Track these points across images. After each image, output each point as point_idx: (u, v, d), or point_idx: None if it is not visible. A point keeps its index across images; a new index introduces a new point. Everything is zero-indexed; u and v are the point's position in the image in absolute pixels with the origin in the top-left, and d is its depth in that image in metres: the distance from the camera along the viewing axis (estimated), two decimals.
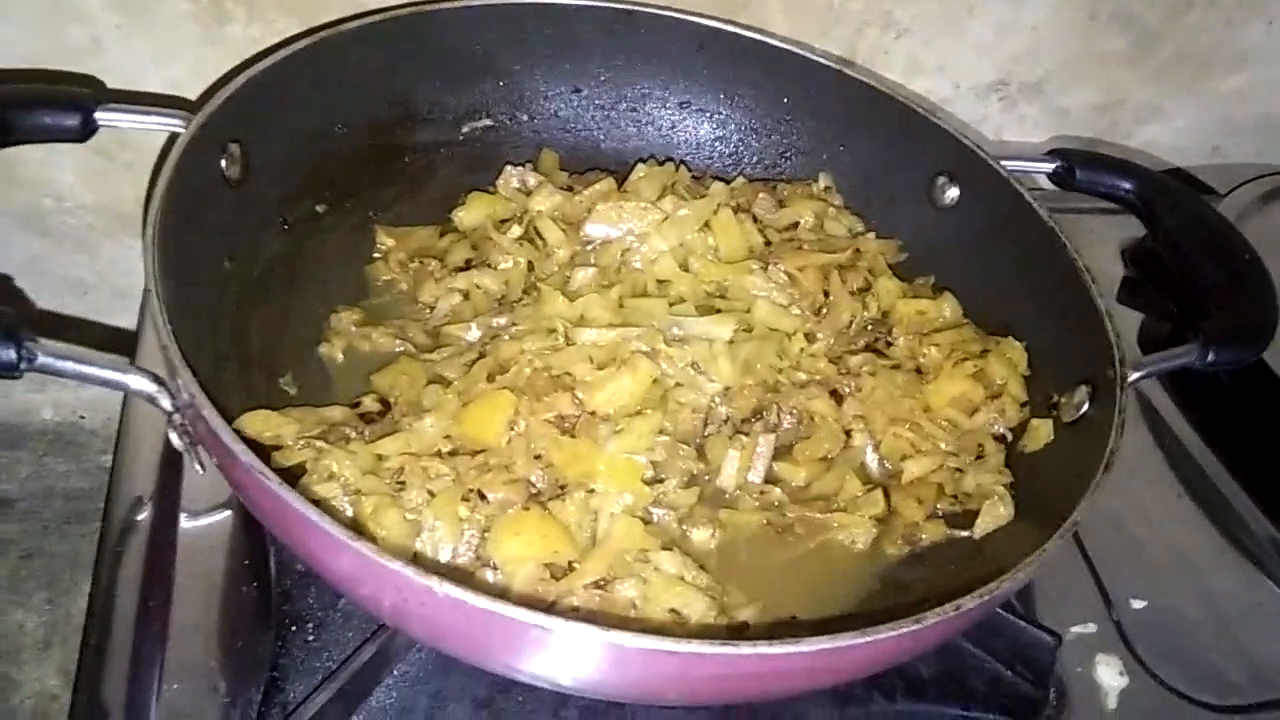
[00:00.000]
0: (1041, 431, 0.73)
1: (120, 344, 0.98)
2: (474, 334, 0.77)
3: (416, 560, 0.62)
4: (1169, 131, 1.17)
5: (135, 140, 0.94)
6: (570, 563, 0.63)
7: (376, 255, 0.84)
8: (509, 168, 0.87)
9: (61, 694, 0.99)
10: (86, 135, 0.69)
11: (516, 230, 0.83)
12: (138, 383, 0.57)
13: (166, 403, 0.57)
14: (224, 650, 0.65)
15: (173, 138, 0.68)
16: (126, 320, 1.03)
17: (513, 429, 0.68)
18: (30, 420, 1.08)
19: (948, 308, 0.82)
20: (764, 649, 0.48)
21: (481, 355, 0.73)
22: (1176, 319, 0.98)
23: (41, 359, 0.54)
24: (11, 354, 0.53)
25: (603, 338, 0.73)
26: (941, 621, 0.51)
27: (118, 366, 0.57)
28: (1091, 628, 0.75)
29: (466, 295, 0.81)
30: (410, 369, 0.74)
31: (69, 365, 0.55)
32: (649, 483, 0.68)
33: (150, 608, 0.66)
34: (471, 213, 0.85)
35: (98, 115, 0.68)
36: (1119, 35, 1.08)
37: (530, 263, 0.82)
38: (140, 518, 0.72)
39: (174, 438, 0.58)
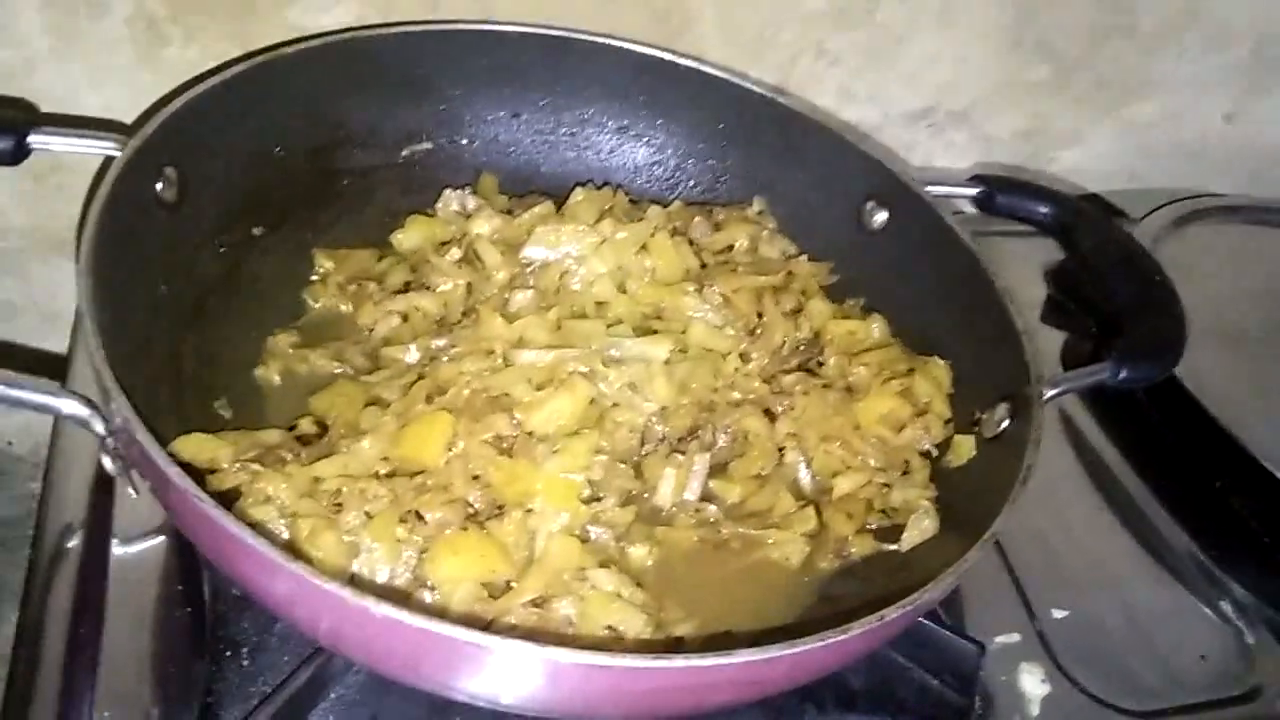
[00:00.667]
0: (964, 447, 0.75)
1: (51, 367, 0.97)
2: (413, 356, 0.77)
3: (353, 582, 0.62)
4: (1089, 157, 1.21)
5: (67, 162, 0.93)
6: (508, 582, 0.64)
7: (314, 278, 0.85)
8: (448, 191, 0.88)
9: None
10: (20, 158, 0.68)
11: (456, 253, 0.84)
12: (70, 407, 0.56)
13: (100, 427, 0.56)
14: (157, 677, 0.64)
15: (107, 161, 0.68)
16: (56, 343, 1.02)
17: (451, 450, 0.68)
18: None
19: (876, 328, 0.85)
20: (695, 662, 0.50)
21: (420, 377, 0.73)
22: (1095, 338, 1.02)
23: None
24: None
25: (540, 359, 0.74)
26: (867, 631, 0.53)
27: (49, 390, 0.56)
28: (1015, 637, 0.78)
29: (405, 317, 0.81)
30: (348, 391, 0.74)
31: None
32: (586, 501, 0.69)
33: (81, 634, 0.65)
34: (410, 235, 0.86)
35: (31, 139, 0.68)
36: (1041, 64, 1.13)
37: (469, 285, 0.82)
38: (71, 544, 0.71)
39: (107, 462, 0.58)
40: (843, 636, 0.52)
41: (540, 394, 0.72)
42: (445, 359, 0.75)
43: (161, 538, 0.71)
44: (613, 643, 0.62)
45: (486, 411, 0.70)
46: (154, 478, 0.55)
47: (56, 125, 0.70)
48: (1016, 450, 0.67)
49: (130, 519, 0.71)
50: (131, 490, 0.60)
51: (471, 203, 0.88)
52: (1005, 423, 0.73)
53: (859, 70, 1.07)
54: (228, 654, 0.66)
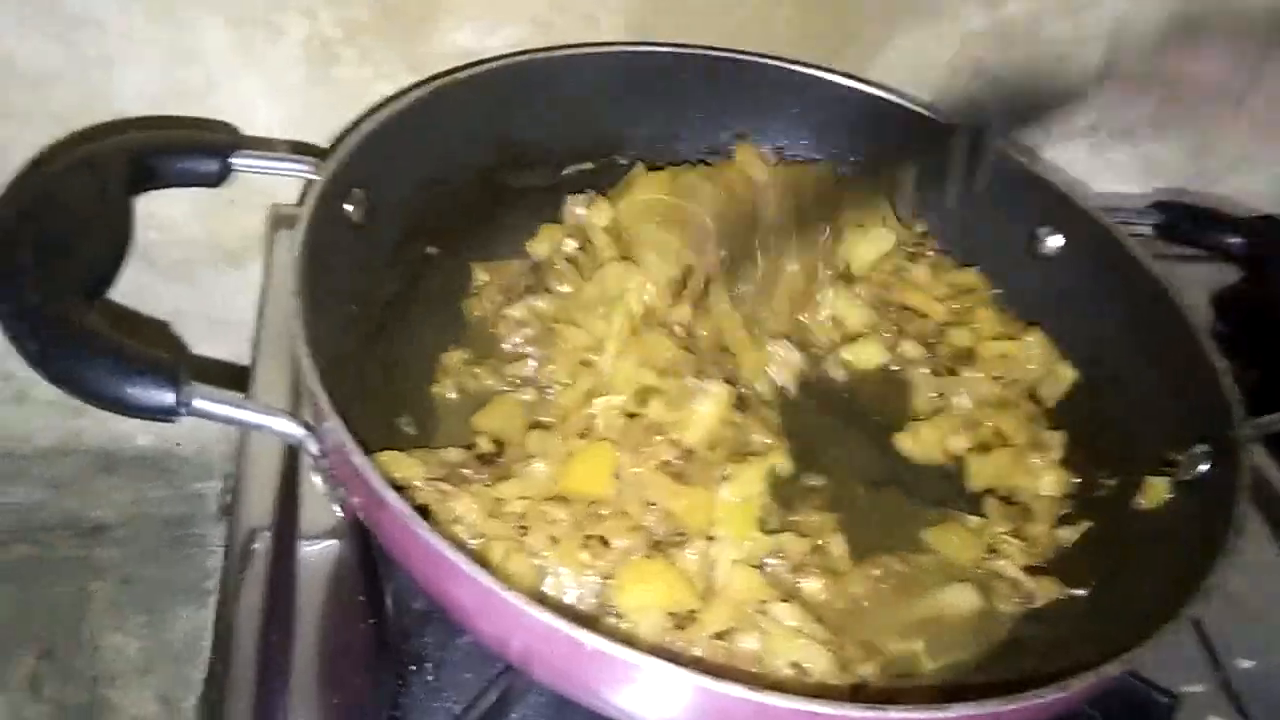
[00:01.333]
0: (1158, 489, 0.72)
1: (223, 375, 1.01)
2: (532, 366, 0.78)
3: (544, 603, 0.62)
4: (1259, 180, 1.16)
5: (242, 178, 0.96)
6: (691, 612, 0.64)
7: (473, 291, 0.86)
8: (570, 196, 0.88)
9: (160, 718, 1.00)
10: (222, 180, 0.71)
11: (571, 245, 0.84)
12: (287, 428, 0.58)
13: (314, 448, 0.58)
14: (346, 688, 0.66)
15: (305, 183, 0.70)
16: (221, 350, 1.05)
17: (619, 478, 0.68)
18: (125, 447, 1.11)
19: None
20: (912, 714, 0.49)
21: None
22: (1263, 373, 0.96)
23: (197, 403, 0.56)
24: (171, 399, 0.55)
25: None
26: (1087, 686, 0.51)
27: (269, 412, 0.58)
28: (1200, 687, 0.75)
29: (525, 323, 0.81)
30: (507, 408, 0.75)
31: (223, 410, 0.57)
32: (767, 532, 0.68)
33: (272, 641, 0.67)
34: (541, 242, 0.87)
35: (233, 161, 0.70)
36: None
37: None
38: (257, 546, 0.73)
39: (317, 481, 0.60)
40: (1063, 694, 0.50)
41: (679, 409, 0.71)
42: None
43: (339, 541, 0.72)
44: (798, 682, 0.62)
45: (641, 437, 0.70)
46: (365, 496, 0.57)
47: (257, 149, 0.72)
48: (1220, 496, 0.64)
49: (314, 524, 0.73)
50: (336, 508, 0.61)
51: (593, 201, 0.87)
52: (1204, 466, 0.69)
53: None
54: (412, 668, 0.67)
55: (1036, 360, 0.84)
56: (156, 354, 0.56)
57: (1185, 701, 0.72)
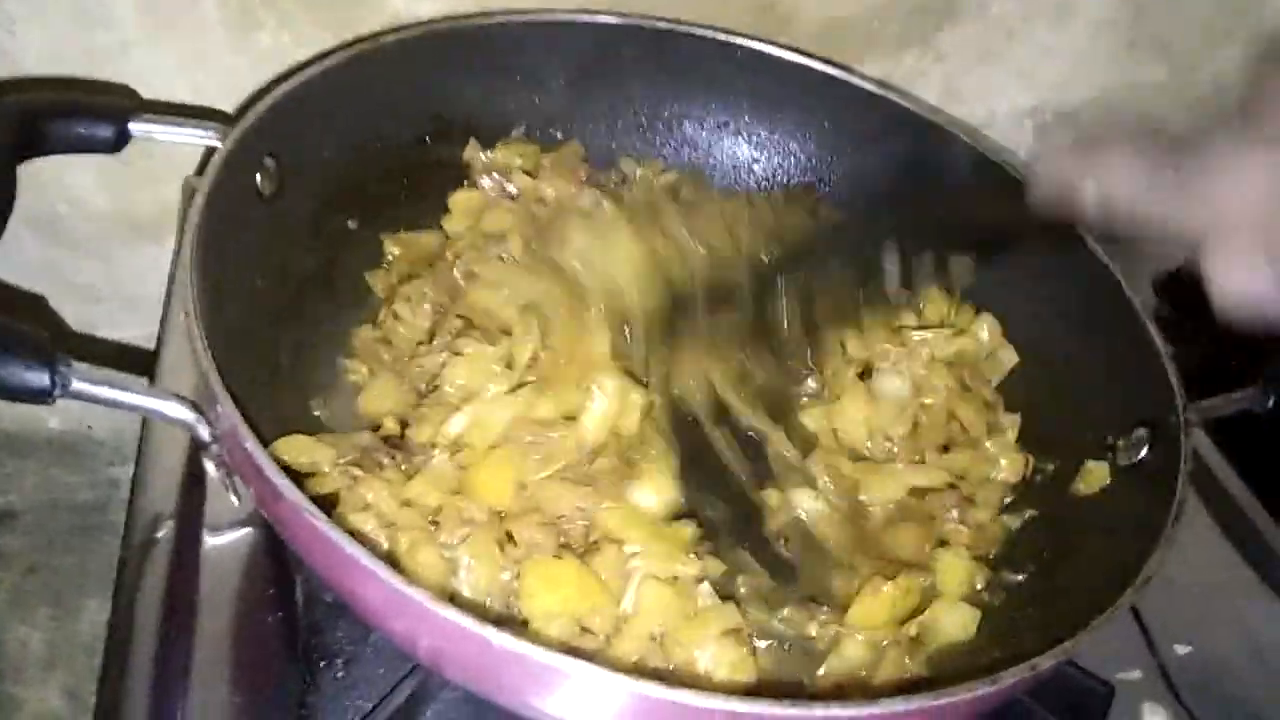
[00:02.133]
0: (1097, 474, 0.71)
1: (134, 359, 0.96)
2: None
3: (454, 600, 0.59)
4: None
5: (154, 147, 0.91)
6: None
7: (384, 265, 0.81)
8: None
9: (66, 715, 0.96)
10: (119, 146, 0.66)
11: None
12: (175, 411, 0.54)
13: (204, 432, 0.54)
14: (250, 686, 0.62)
15: (206, 151, 0.66)
16: (137, 329, 1.01)
17: (524, 490, 0.64)
18: (36, 430, 1.05)
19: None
20: (836, 711, 0.46)
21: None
22: (1211, 356, 0.96)
23: (76, 384, 0.52)
24: (45, 379, 0.50)
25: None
26: (1018, 681, 0.49)
27: (155, 394, 0.54)
28: (1136, 674, 0.73)
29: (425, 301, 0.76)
30: (388, 392, 0.71)
31: (104, 391, 0.53)
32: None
33: (172, 637, 0.63)
34: (455, 217, 0.82)
35: (131, 126, 0.66)
36: (1157, 65, 1.07)
37: None
38: (161, 534, 0.69)
39: (210, 467, 0.56)
40: (993, 688, 0.48)
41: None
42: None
43: (250, 530, 0.68)
44: (714, 680, 0.59)
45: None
46: (259, 485, 0.53)
47: (157, 114, 0.67)
48: (1160, 481, 0.63)
49: (220, 512, 0.69)
50: (233, 497, 0.58)
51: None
52: (1144, 450, 0.68)
53: (967, 67, 1.02)
54: (322, 664, 0.63)
55: (984, 345, 0.81)
56: (29, 329, 0.52)
57: (1121, 688, 0.71)
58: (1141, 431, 0.69)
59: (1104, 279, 0.74)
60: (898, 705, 0.47)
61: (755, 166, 0.93)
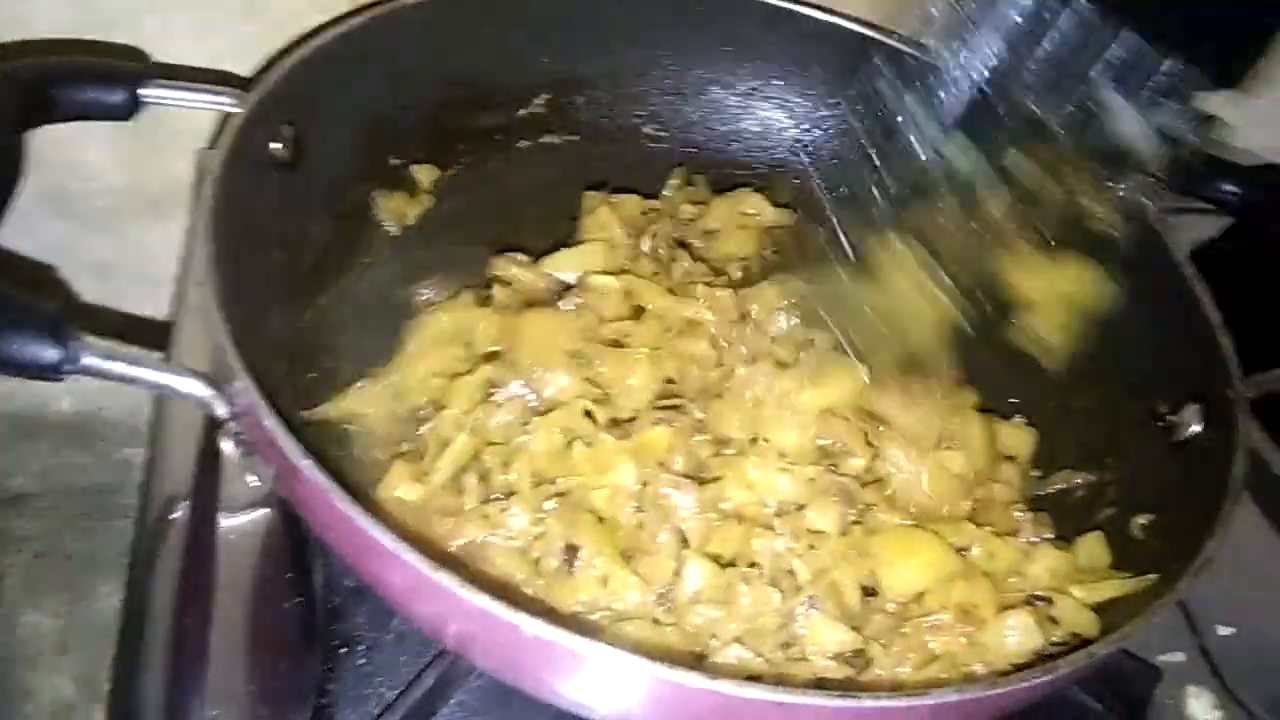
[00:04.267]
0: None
1: (148, 334, 0.94)
2: None
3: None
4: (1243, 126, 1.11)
5: (167, 117, 0.88)
6: None
7: None
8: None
9: (78, 703, 0.94)
10: (131, 113, 0.64)
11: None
12: (191, 387, 0.52)
13: (221, 410, 0.52)
14: (268, 674, 0.60)
15: (221, 119, 0.63)
16: (150, 307, 0.99)
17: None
18: (47, 410, 1.03)
19: None
20: (886, 703, 0.44)
21: None
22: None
23: (86, 360, 0.50)
24: (54, 354, 0.48)
25: None
26: (1075, 670, 0.47)
27: (170, 369, 0.52)
28: (1180, 656, 0.71)
29: None
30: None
31: (116, 366, 0.50)
32: None
33: (188, 623, 0.61)
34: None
35: (143, 92, 0.63)
36: None
37: None
38: (174, 517, 0.67)
39: (227, 446, 0.54)
40: (1048, 677, 0.46)
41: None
42: None
43: (267, 511, 0.65)
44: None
45: None
46: (280, 465, 0.51)
47: (170, 78, 0.65)
48: (1215, 459, 0.60)
49: (237, 494, 0.66)
50: (251, 477, 0.55)
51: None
52: (1196, 426, 0.65)
53: None
54: (342, 651, 0.61)
55: None
56: (39, 303, 0.49)
57: (1165, 671, 0.69)
58: (1193, 407, 0.66)
59: (1153, 245, 0.71)
60: (950, 696, 0.45)
61: (785, 133, 0.90)
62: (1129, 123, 0.54)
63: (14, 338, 0.48)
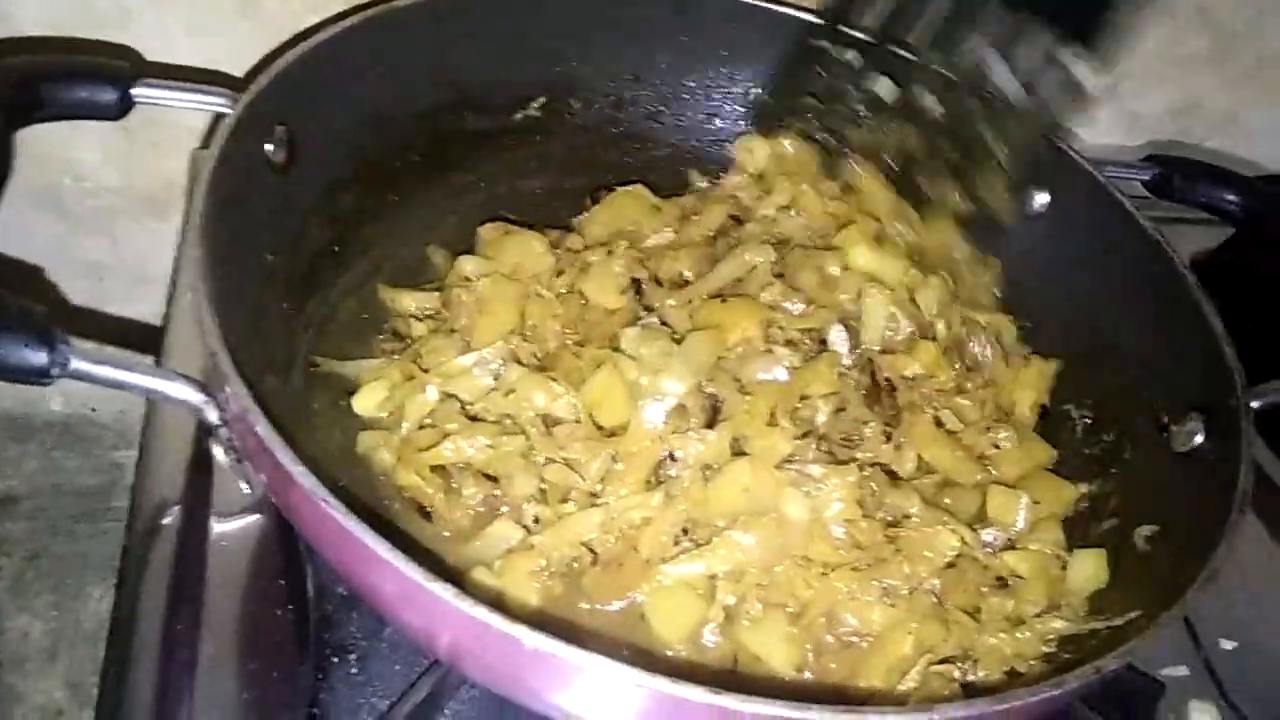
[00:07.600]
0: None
1: (141, 337, 0.93)
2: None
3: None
4: (1243, 141, 1.11)
5: (161, 117, 0.88)
6: None
7: None
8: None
9: (68, 707, 0.93)
10: (123, 112, 0.63)
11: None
12: (182, 392, 0.51)
13: (213, 415, 0.51)
14: (259, 682, 0.59)
15: (214, 119, 0.62)
16: (144, 308, 0.98)
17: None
18: (38, 412, 1.02)
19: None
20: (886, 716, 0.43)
21: None
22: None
23: (75, 364, 0.49)
24: (43, 358, 0.47)
25: None
26: (1081, 684, 0.46)
27: (161, 374, 0.51)
28: (1183, 669, 0.71)
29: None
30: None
31: (106, 371, 0.49)
32: None
33: (178, 631, 0.60)
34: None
35: (135, 91, 0.62)
36: (1199, 36, 1.03)
37: None
38: (165, 521, 0.66)
39: (218, 452, 0.53)
40: (1056, 692, 0.45)
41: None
42: None
43: (259, 517, 0.65)
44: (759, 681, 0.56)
45: None
46: (271, 471, 0.50)
47: (162, 78, 0.64)
48: (1219, 470, 0.59)
49: (228, 499, 0.65)
50: (244, 485, 0.54)
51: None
52: (1199, 437, 0.64)
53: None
54: (334, 660, 0.60)
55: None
56: (27, 305, 0.49)
57: (1168, 685, 0.69)
58: (1196, 417, 0.65)
59: (1154, 255, 0.71)
60: (957, 711, 0.44)
61: None
62: (1002, 75, 0.70)
63: (2, 342, 0.47)
